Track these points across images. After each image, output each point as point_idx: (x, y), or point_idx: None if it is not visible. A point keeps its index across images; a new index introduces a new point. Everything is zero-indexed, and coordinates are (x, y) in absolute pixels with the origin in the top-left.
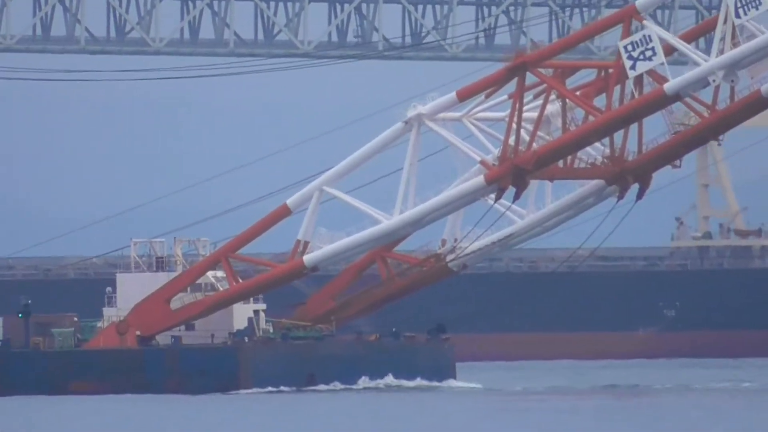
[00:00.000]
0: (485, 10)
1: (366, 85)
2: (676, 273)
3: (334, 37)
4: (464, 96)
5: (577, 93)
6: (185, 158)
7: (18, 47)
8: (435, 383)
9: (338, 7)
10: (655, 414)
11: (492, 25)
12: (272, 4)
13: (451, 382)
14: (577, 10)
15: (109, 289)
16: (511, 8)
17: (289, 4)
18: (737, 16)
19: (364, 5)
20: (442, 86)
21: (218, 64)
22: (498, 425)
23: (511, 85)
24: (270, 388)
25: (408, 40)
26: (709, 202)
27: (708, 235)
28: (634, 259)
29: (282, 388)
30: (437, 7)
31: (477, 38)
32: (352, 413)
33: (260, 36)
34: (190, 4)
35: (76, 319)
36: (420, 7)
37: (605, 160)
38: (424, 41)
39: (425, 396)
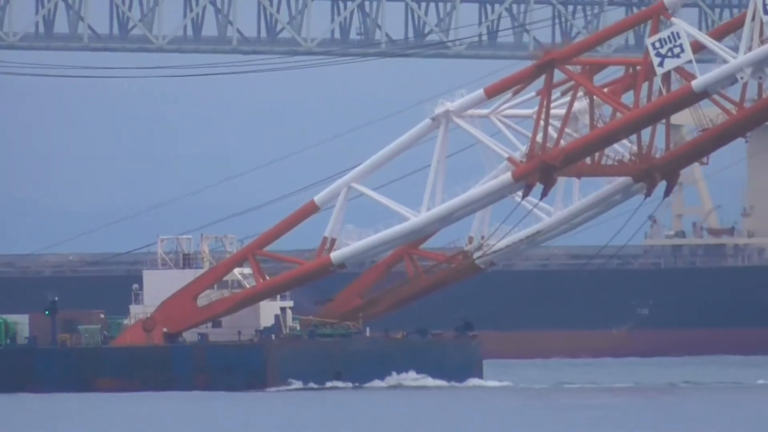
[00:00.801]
0: (488, 8)
1: (371, 83)
2: (649, 271)
3: (337, 35)
4: (492, 93)
5: (605, 90)
6: (210, 156)
7: (21, 44)
8: (460, 383)
9: (341, 5)
10: (673, 410)
11: (495, 24)
12: (275, 1)
13: (477, 381)
14: (580, 8)
15: (135, 286)
16: (514, 5)
17: (292, 2)
18: (766, 12)
19: (367, 3)
20: (446, 83)
21: (222, 63)
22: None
23: (539, 82)
24: (297, 386)
25: (411, 38)
26: (682, 200)
27: (681, 234)
28: (607, 258)
29: (310, 385)
30: (440, 4)
31: (480, 36)
32: (380, 411)
33: (263, 33)
34: (193, 2)
35: (102, 315)
36: (423, 4)
37: (633, 158)
38: (427, 39)
39: (453, 393)
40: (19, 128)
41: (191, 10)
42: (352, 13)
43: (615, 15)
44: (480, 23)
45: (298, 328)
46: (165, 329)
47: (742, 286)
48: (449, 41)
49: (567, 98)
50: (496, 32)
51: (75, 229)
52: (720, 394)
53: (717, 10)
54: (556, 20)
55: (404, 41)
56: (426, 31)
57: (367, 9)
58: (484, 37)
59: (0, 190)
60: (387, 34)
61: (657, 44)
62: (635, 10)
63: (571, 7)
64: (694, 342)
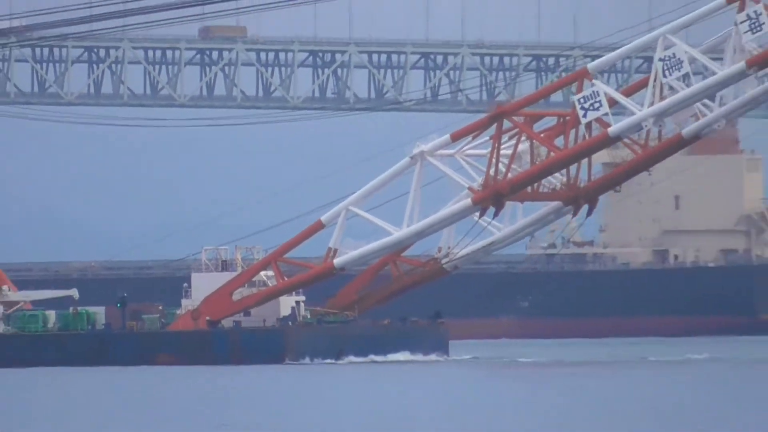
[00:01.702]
0: (431, 73)
1: (343, 131)
2: (529, 274)
3: (317, 94)
4: (456, 137)
5: (542, 135)
6: (229, 186)
7: (76, 102)
8: (433, 357)
9: (320, 71)
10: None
11: (437, 86)
12: (269, 68)
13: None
14: (501, 74)
15: (185, 285)
16: (451, 72)
17: (282, 69)
18: (664, 76)
19: (339, 70)
20: (400, 131)
21: (229, 116)
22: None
23: (492, 129)
24: (308, 360)
25: (373, 96)
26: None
27: (553, 246)
28: (498, 263)
29: (318, 360)
30: (395, 71)
31: (425, 95)
32: (373, 378)
33: (260, 93)
34: (207, 69)
35: (161, 307)
36: (382, 70)
37: (563, 186)
38: (385, 97)
39: (427, 366)
40: (82, 165)
41: (206, 75)
42: (328, 77)
43: (528, 79)
44: (425, 85)
45: (309, 316)
46: (208, 318)
47: (599, 285)
48: (402, 99)
49: (513, 141)
50: (437, 92)
51: (137, 240)
52: (603, 368)
53: (625, 75)
54: (483, 83)
55: (368, 99)
56: (384, 91)
57: (339, 74)
58: (428, 96)
59: (81, 211)
60: (355, 94)
61: (581, 100)
62: (543, 75)
63: (494, 73)
64: (564, 328)
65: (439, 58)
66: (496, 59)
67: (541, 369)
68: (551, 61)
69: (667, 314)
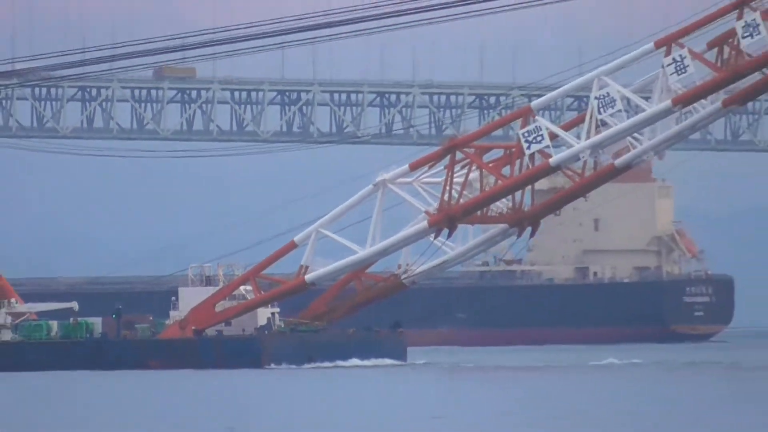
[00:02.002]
0: (386, 110)
1: (308, 162)
2: (465, 288)
3: (284, 129)
4: (414, 167)
5: (491, 165)
6: (209, 210)
7: (71, 135)
8: (394, 362)
9: (287, 108)
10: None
11: (390, 122)
12: (242, 106)
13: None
14: (448, 111)
15: (173, 298)
16: (404, 109)
17: (254, 106)
18: (599, 113)
19: (304, 107)
20: (357, 162)
21: (207, 149)
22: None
23: (446, 160)
24: (283, 366)
25: (334, 131)
26: None
27: (486, 263)
28: (437, 279)
29: (291, 366)
30: (354, 108)
31: (380, 130)
32: (335, 380)
33: (234, 127)
34: (187, 106)
35: (151, 318)
36: (342, 107)
37: (509, 210)
38: (345, 131)
39: (387, 370)
40: (76, 192)
41: (185, 112)
42: (294, 114)
43: (472, 116)
44: (380, 121)
45: (283, 326)
46: (194, 327)
47: (527, 298)
48: (360, 133)
49: (465, 170)
50: (391, 128)
51: (129, 258)
52: (541, 372)
53: (558, 112)
54: (432, 119)
55: (329, 133)
56: (344, 126)
57: (305, 111)
58: (383, 131)
59: (77, 232)
60: (318, 129)
61: (526, 134)
62: (485, 112)
63: (442, 110)
64: (496, 337)
65: (393, 97)
66: (443, 98)
67: (490, 372)
68: (492, 99)
69: (587, 325)
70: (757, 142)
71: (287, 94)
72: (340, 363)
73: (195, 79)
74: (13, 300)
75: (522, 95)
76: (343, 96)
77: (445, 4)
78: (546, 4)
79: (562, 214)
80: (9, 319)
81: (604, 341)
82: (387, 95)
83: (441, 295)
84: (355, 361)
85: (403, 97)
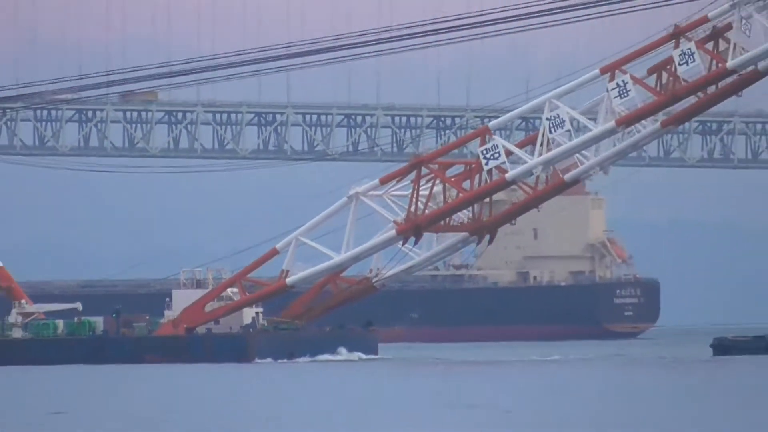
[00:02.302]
0: (352, 130)
1: (283, 177)
2: (418, 291)
3: (261, 147)
4: (384, 181)
5: (453, 179)
6: (193, 220)
7: (69, 153)
8: (366, 356)
9: (263, 129)
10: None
11: (357, 141)
12: (223, 126)
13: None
14: (409, 131)
15: (167, 299)
16: (369, 129)
17: (234, 126)
18: (550, 132)
19: (279, 127)
20: (327, 178)
21: (191, 165)
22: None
23: (413, 175)
24: (266, 360)
25: (306, 149)
26: None
27: (437, 268)
28: (395, 282)
29: (273, 360)
30: (323, 128)
31: (347, 148)
32: (314, 373)
33: (216, 146)
34: (173, 127)
35: (147, 317)
36: (314, 128)
37: (469, 220)
38: (315, 149)
39: (360, 363)
40: (75, 204)
41: (172, 132)
42: (270, 133)
43: (430, 136)
44: (347, 140)
45: (266, 324)
46: (186, 325)
47: (474, 300)
48: (329, 151)
49: (429, 184)
50: (357, 146)
51: (128, 263)
52: (497, 366)
53: (507, 132)
54: (394, 139)
55: (302, 151)
56: (315, 144)
57: (279, 131)
58: (350, 149)
59: (75, 240)
60: (291, 147)
61: (484, 151)
62: (441, 133)
63: (403, 130)
64: (445, 335)
65: (359, 118)
66: (404, 119)
67: (455, 366)
68: (448, 120)
69: (528, 324)
70: (687, 158)
71: (263, 115)
72: (317, 357)
73: (157, 102)
74: (23, 301)
75: (475, 117)
76: (314, 117)
77: (404, 36)
78: (496, 35)
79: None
80: (20, 319)
81: (543, 338)
82: (353, 116)
83: (396, 297)
84: (330, 356)
85: (368, 118)
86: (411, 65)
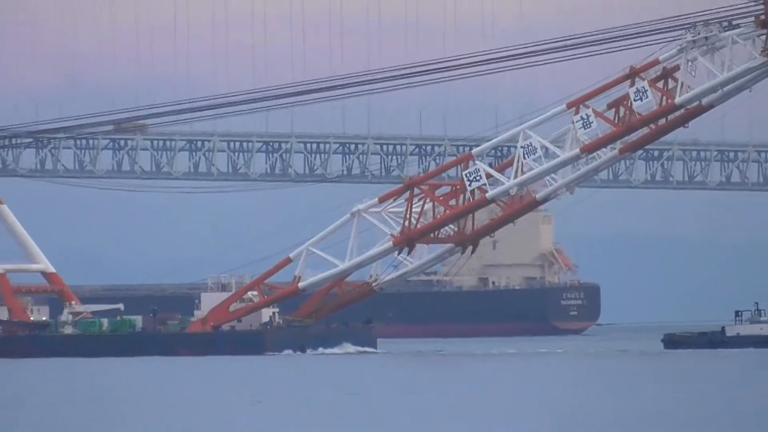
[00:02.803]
0: (347, 156)
1: (290, 197)
2: (394, 294)
3: (269, 171)
4: (382, 200)
5: (441, 198)
6: (219, 233)
7: (104, 176)
8: (366, 348)
9: (270, 155)
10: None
11: (350, 166)
12: (236, 153)
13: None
14: (394, 157)
15: (197, 301)
16: (361, 156)
17: (245, 153)
18: (524, 158)
19: (284, 154)
20: (325, 198)
21: (208, 186)
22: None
23: (406, 194)
24: (282, 353)
25: (308, 172)
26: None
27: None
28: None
29: (287, 352)
30: (321, 155)
31: (342, 172)
32: (321, 364)
33: (230, 170)
34: (193, 153)
35: (180, 317)
36: (313, 155)
37: (455, 233)
38: (315, 173)
39: (361, 356)
40: (110, 219)
41: (193, 158)
42: (276, 159)
43: (413, 162)
44: (342, 165)
45: (282, 322)
46: (212, 323)
47: (441, 301)
48: (327, 175)
49: (421, 202)
50: (351, 170)
51: (165, 270)
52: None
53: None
54: (383, 164)
55: (304, 174)
56: (315, 169)
57: (284, 157)
58: (345, 173)
59: (117, 251)
60: (294, 170)
61: (468, 174)
62: (423, 159)
63: (390, 157)
64: (418, 332)
65: (352, 146)
66: (391, 147)
67: (435, 357)
68: (429, 148)
69: (487, 322)
70: (632, 181)
71: (270, 144)
72: (324, 351)
73: (147, 132)
74: (73, 302)
75: (452, 145)
76: (314, 145)
77: (390, 77)
78: (468, 77)
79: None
80: (70, 317)
81: (500, 335)
82: (348, 144)
83: (375, 299)
84: (335, 349)
85: (360, 146)
86: (396, 101)
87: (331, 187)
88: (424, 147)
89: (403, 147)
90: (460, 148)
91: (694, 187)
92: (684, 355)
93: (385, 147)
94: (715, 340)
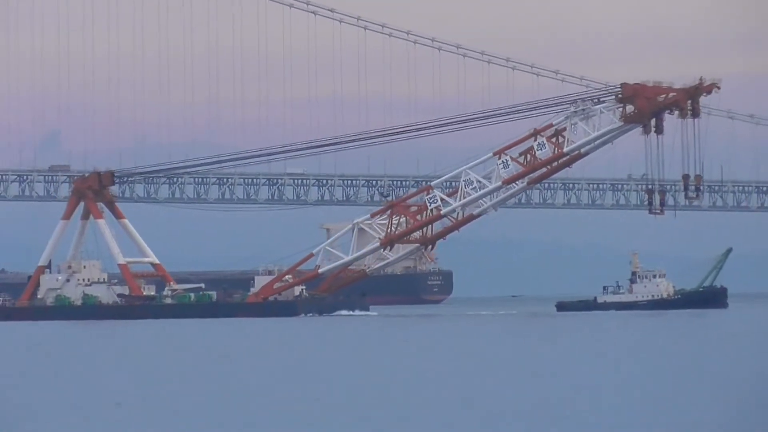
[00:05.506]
0: (350, 190)
1: (297, 218)
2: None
3: (272, 197)
4: (373, 216)
5: (411, 214)
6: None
7: (163, 201)
8: (360, 312)
9: (272, 187)
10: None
11: (347, 194)
12: (248, 185)
13: (365, 312)
14: (374, 190)
15: (252, 281)
16: (355, 188)
17: (254, 186)
18: (465, 187)
19: (280, 186)
20: (328, 215)
21: (236, 208)
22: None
23: (389, 212)
24: (308, 315)
25: (312, 198)
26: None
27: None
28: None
29: (311, 315)
30: (330, 187)
31: (344, 198)
32: (338, 324)
33: (245, 195)
34: (221, 185)
35: (241, 292)
36: (305, 188)
37: (421, 237)
38: (324, 199)
39: (359, 317)
40: (176, 231)
41: (220, 188)
42: (279, 187)
43: (389, 191)
44: (343, 191)
45: (307, 295)
46: (263, 297)
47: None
48: (328, 201)
49: (398, 217)
50: (349, 198)
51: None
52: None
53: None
54: (367, 193)
55: (316, 200)
56: (324, 196)
57: (281, 189)
58: (346, 199)
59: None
60: (298, 196)
61: (429, 199)
62: (393, 191)
63: (376, 184)
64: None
65: (351, 181)
66: (376, 181)
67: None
68: (398, 182)
69: (382, 296)
70: (549, 202)
71: (273, 180)
72: (337, 314)
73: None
74: (171, 283)
75: (416, 180)
76: (324, 180)
77: (363, 138)
78: (413, 138)
79: None
80: (169, 293)
81: (389, 304)
82: (347, 180)
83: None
84: (342, 312)
85: (355, 181)
86: (383, 151)
87: (337, 209)
88: (399, 181)
89: (383, 181)
90: (423, 182)
91: (598, 207)
92: (571, 315)
93: (373, 182)
94: (590, 305)
